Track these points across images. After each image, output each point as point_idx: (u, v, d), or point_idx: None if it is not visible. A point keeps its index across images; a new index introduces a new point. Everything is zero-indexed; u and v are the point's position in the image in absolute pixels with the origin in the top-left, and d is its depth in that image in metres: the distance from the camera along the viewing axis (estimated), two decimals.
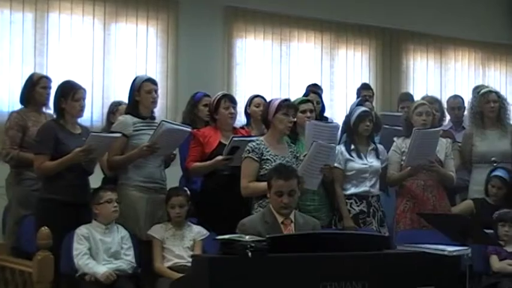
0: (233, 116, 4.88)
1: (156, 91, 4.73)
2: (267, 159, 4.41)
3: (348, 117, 5.12)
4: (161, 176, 4.71)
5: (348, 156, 4.90)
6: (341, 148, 4.92)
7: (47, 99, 4.89)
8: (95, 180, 4.71)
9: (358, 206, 4.87)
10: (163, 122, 4.59)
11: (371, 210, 4.89)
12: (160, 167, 4.71)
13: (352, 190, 4.89)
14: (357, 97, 6.57)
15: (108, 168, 4.76)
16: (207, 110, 5.15)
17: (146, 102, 4.69)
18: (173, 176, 5.04)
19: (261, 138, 4.54)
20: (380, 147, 5.07)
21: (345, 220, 4.82)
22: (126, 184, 4.59)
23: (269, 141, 4.49)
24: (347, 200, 4.86)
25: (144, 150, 4.53)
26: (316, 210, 4.74)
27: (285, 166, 4.16)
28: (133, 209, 4.55)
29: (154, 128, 4.60)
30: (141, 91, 4.66)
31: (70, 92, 4.45)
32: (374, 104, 6.81)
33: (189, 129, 4.72)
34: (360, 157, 4.92)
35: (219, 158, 4.64)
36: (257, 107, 5.40)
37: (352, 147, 4.93)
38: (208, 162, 4.71)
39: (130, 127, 4.62)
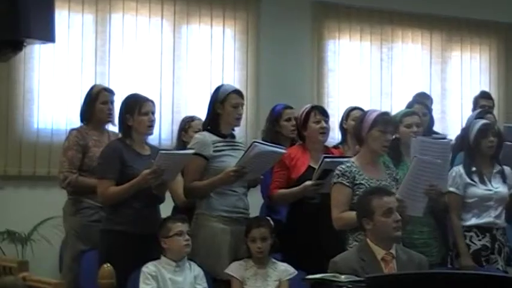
0: (325, 131, 4.87)
1: (242, 106, 4.75)
2: (360, 183, 4.34)
3: (465, 132, 5.05)
4: (245, 204, 4.74)
5: (468, 180, 4.83)
6: (460, 170, 4.86)
7: (109, 115, 4.99)
8: (163, 210, 4.74)
9: (479, 240, 4.80)
10: (255, 144, 4.55)
11: (496, 246, 4.81)
12: (244, 195, 4.74)
13: (472, 221, 4.82)
14: (473, 107, 6.46)
15: (186, 195, 4.78)
16: (290, 124, 5.17)
17: (230, 118, 4.70)
18: (253, 204, 5.02)
19: (352, 159, 4.49)
20: (507, 169, 4.97)
21: (463, 257, 4.75)
22: (206, 214, 4.61)
23: (361, 163, 4.42)
24: (466, 233, 4.81)
25: (231, 176, 4.54)
26: (426, 245, 4.71)
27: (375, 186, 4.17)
28: (216, 243, 4.57)
29: (237, 148, 4.65)
30: (226, 104, 4.67)
31: (136, 106, 4.51)
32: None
33: (283, 151, 4.69)
34: (482, 181, 4.85)
35: (308, 183, 4.63)
36: (355, 121, 5.36)
37: (474, 169, 4.86)
38: (295, 189, 4.70)
39: (210, 147, 4.62)
